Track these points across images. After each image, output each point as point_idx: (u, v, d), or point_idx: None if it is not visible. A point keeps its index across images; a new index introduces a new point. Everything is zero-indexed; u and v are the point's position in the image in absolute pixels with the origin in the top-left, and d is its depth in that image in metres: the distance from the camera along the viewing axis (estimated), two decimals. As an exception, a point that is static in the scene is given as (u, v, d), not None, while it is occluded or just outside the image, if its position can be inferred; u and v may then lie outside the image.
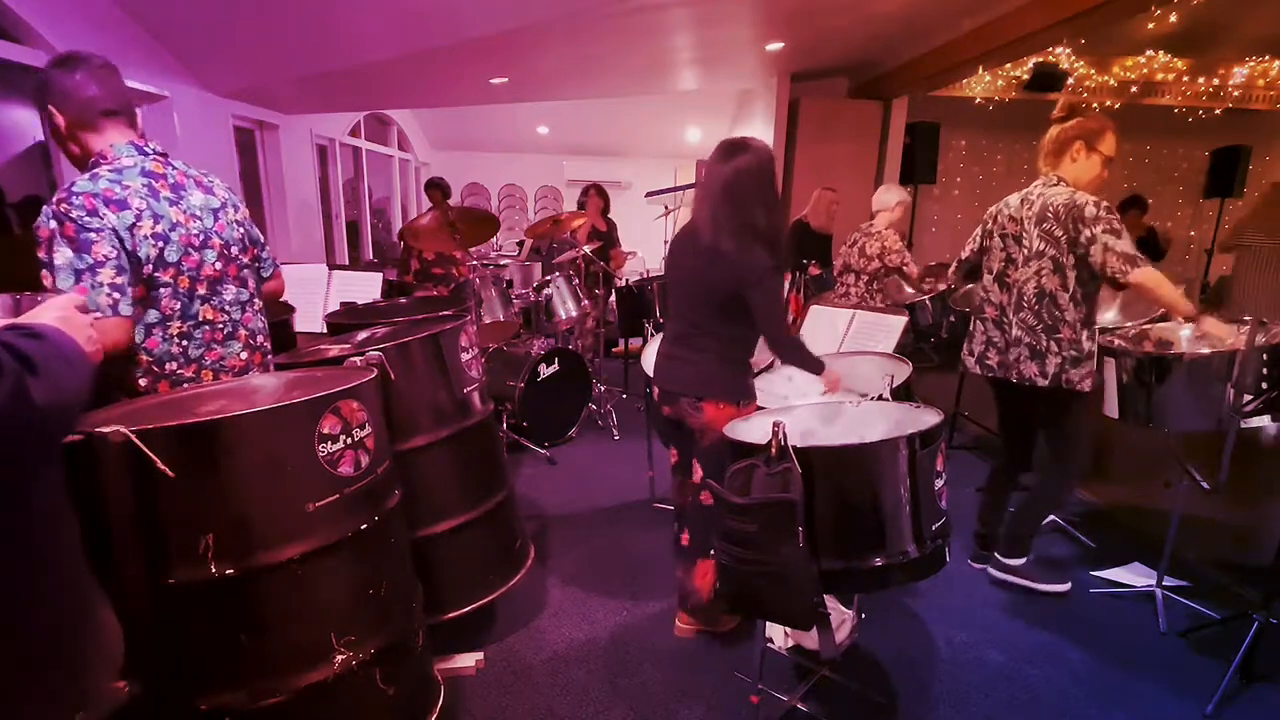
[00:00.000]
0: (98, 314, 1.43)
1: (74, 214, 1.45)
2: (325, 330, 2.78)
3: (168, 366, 1.63)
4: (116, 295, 1.47)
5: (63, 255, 1.43)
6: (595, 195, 5.28)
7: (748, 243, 1.91)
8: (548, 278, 4.27)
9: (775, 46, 5.39)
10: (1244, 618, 2.12)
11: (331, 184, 7.28)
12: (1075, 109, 2.34)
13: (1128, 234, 2.18)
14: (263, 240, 1.94)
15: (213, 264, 1.70)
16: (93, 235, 1.46)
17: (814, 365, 2.08)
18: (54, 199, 1.47)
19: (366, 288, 3.56)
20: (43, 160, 3.91)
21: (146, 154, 1.64)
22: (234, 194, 1.84)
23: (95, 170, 1.56)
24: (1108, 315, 3.10)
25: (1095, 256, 2.17)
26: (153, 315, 1.60)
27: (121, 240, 1.50)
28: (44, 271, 1.45)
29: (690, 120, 9.08)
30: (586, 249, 4.57)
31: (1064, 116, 2.34)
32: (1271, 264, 4.50)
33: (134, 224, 1.52)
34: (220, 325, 1.72)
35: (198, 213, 1.68)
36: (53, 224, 1.45)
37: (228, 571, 1.27)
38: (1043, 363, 2.32)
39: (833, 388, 2.13)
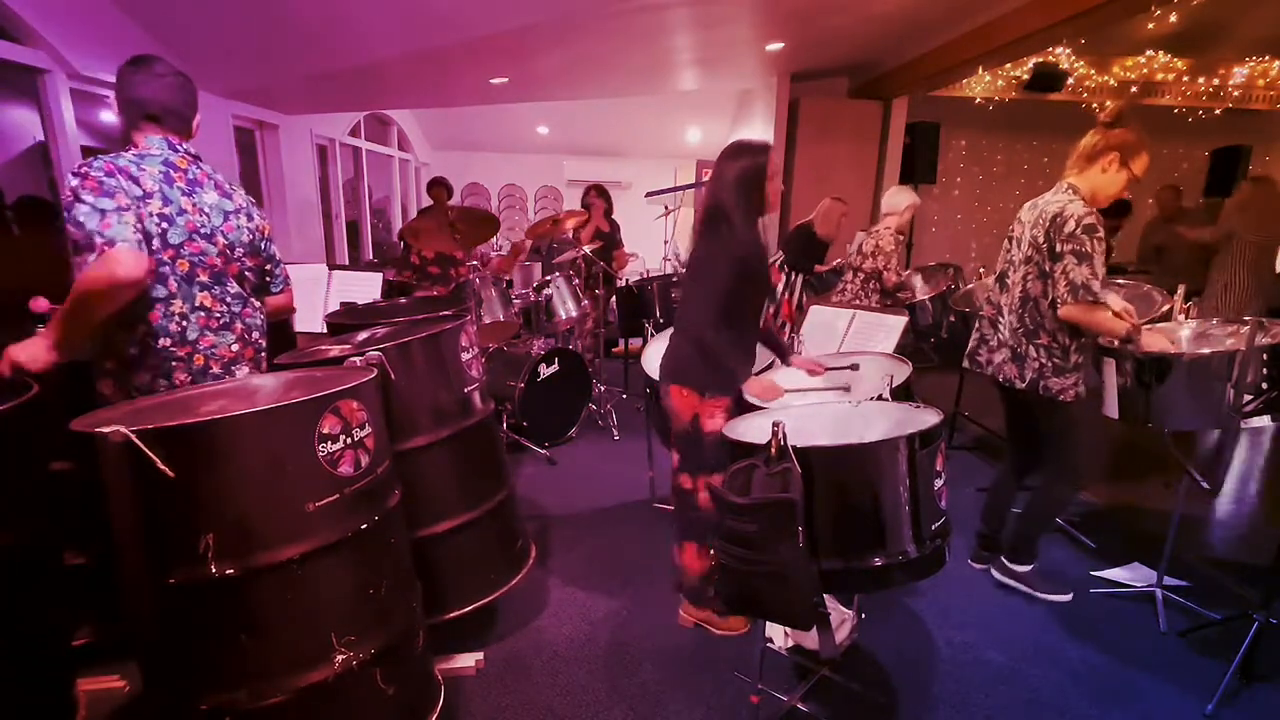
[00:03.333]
0: (124, 242, 1.52)
1: (93, 174, 1.57)
2: (325, 330, 2.78)
3: (160, 341, 1.69)
4: (138, 236, 1.56)
5: (87, 203, 1.53)
6: (597, 196, 5.27)
7: (731, 232, 2.06)
8: (548, 278, 4.27)
9: (775, 46, 5.39)
10: (1244, 618, 2.12)
11: (331, 184, 7.28)
12: (1123, 117, 2.25)
13: (1098, 258, 2.14)
14: (278, 258, 2.02)
15: (214, 257, 1.77)
16: (113, 188, 1.56)
17: (732, 375, 2.08)
18: (76, 165, 1.59)
19: (366, 288, 3.56)
20: (43, 160, 3.91)
21: (176, 150, 1.75)
22: (255, 207, 1.94)
23: (121, 153, 1.68)
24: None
25: (1055, 274, 2.19)
26: (159, 290, 1.67)
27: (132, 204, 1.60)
28: (69, 228, 1.53)
29: (690, 120, 9.08)
30: (587, 249, 4.56)
31: (1111, 123, 2.25)
32: (1251, 259, 4.59)
33: (143, 197, 1.62)
34: (218, 314, 1.79)
35: (207, 209, 1.76)
36: (74, 182, 1.55)
37: (228, 571, 1.28)
38: (1021, 366, 2.32)
39: (764, 395, 2.08)
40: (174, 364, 1.72)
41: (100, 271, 1.49)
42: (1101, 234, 2.15)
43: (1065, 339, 2.26)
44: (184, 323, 1.72)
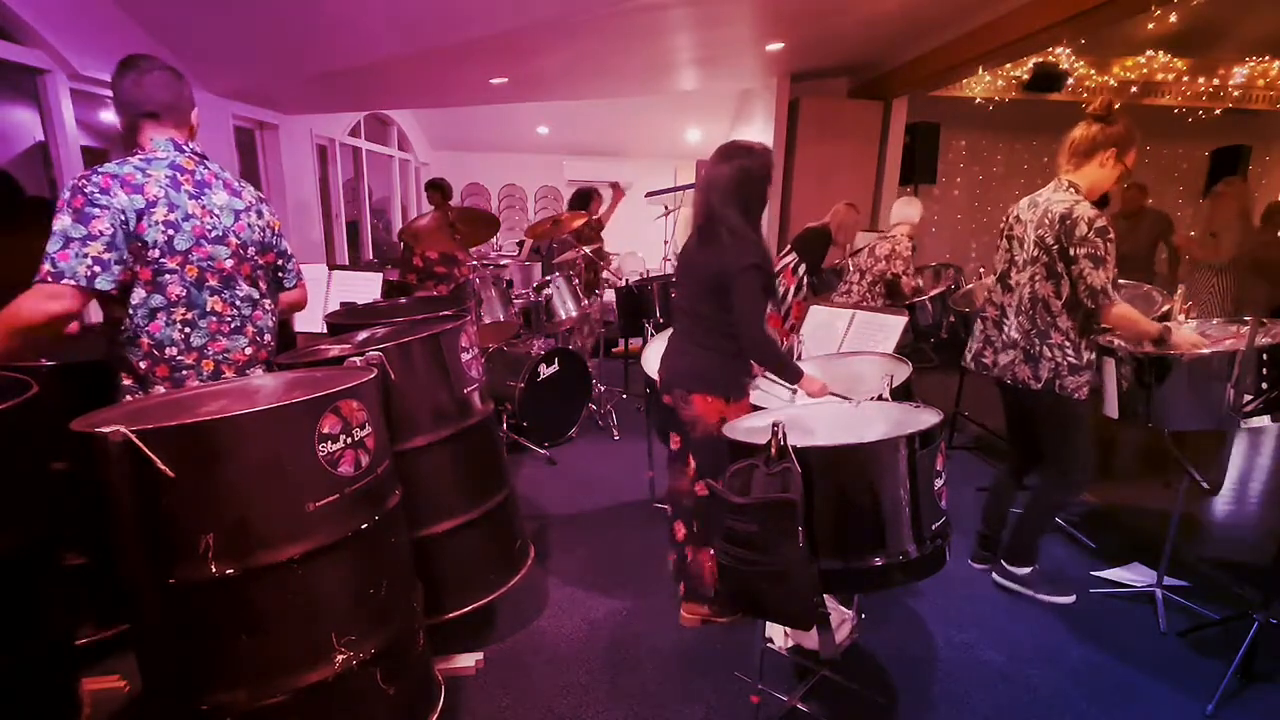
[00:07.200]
0: (69, 280, 1.51)
1: (88, 189, 1.55)
2: (325, 330, 2.78)
3: (168, 351, 1.69)
4: (98, 269, 1.54)
5: (62, 222, 1.52)
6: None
7: (735, 239, 2.03)
8: (548, 278, 4.27)
9: (775, 47, 5.39)
10: (1244, 618, 2.12)
11: (331, 184, 7.28)
12: (1114, 110, 2.23)
13: (1110, 260, 2.13)
14: (290, 253, 2.01)
15: (225, 259, 1.76)
16: (96, 211, 1.54)
17: (790, 373, 2.09)
18: (79, 174, 1.58)
19: (366, 288, 3.56)
20: (43, 160, 3.91)
21: (182, 151, 1.73)
22: (266, 204, 1.93)
23: (128, 158, 1.67)
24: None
25: (1073, 277, 2.18)
26: (157, 300, 1.66)
27: (126, 221, 1.58)
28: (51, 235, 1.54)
29: (690, 120, 9.08)
30: (586, 249, 4.55)
31: (1105, 116, 2.22)
32: (1217, 269, 4.64)
33: (145, 208, 1.61)
34: (229, 319, 1.78)
35: (217, 210, 1.75)
36: (67, 194, 1.55)
37: (228, 571, 1.28)
38: (1036, 367, 2.31)
39: (817, 394, 2.10)
40: (185, 372, 1.71)
41: (33, 304, 1.50)
42: (1112, 235, 2.14)
43: (1076, 337, 2.25)
44: (188, 329, 1.70)
